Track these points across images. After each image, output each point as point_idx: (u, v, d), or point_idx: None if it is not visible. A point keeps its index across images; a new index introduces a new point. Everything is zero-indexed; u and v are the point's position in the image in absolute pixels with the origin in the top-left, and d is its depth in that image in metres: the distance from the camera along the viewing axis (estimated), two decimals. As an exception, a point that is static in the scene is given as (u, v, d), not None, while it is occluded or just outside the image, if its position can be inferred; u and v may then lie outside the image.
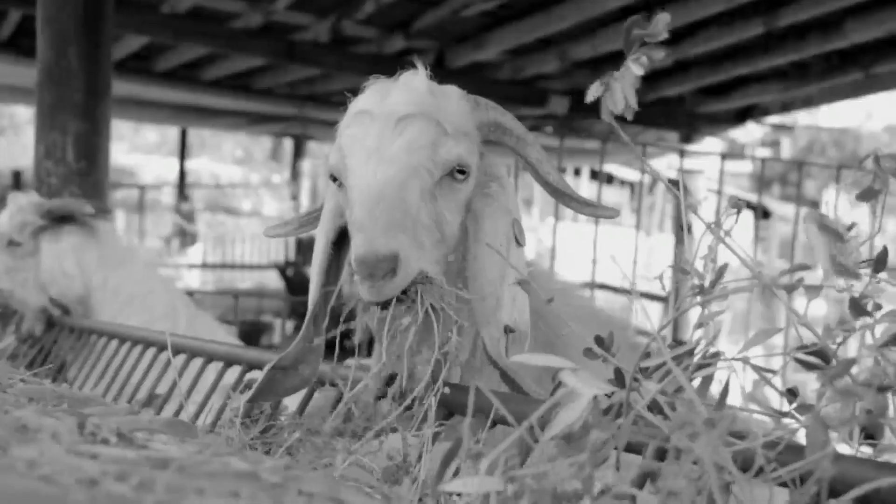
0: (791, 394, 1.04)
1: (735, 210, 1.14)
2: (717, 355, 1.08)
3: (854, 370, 0.97)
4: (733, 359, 1.07)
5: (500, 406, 1.09)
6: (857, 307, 1.01)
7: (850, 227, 1.13)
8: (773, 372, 1.06)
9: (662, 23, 1.12)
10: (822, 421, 0.93)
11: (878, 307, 1.03)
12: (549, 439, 0.95)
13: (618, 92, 1.11)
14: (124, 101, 10.08)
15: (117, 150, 25.52)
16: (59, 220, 3.61)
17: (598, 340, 1.15)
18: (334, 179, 1.76)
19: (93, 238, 3.67)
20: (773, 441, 0.97)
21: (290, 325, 9.35)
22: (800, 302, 1.11)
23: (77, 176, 4.52)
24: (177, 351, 2.32)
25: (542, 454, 0.94)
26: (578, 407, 0.97)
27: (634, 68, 1.12)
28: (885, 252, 1.15)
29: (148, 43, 8.38)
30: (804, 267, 1.04)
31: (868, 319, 1.03)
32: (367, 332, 1.73)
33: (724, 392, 1.05)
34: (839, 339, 1.02)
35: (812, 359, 1.02)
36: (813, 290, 1.03)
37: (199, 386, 2.23)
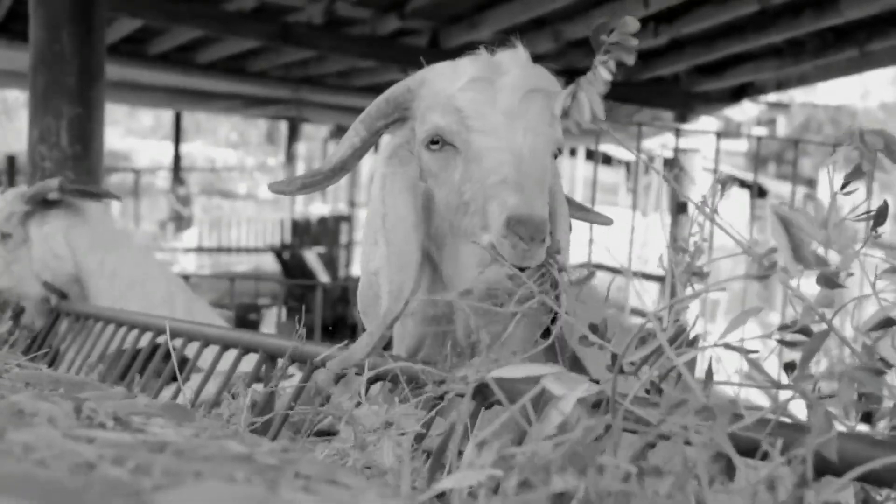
0: (788, 367, 1.04)
1: (722, 186, 1.14)
2: (696, 339, 1.08)
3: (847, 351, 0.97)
4: (717, 344, 1.07)
5: (494, 387, 1.09)
6: (828, 281, 1.01)
7: (842, 188, 1.14)
8: (755, 351, 1.06)
9: (631, 27, 1.11)
10: (819, 398, 0.93)
11: (850, 275, 1.03)
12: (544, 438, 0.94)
13: (584, 102, 1.11)
14: (118, 84, 10.05)
15: (112, 134, 25.44)
16: (46, 204, 3.59)
17: (593, 328, 1.15)
18: (434, 142, 1.74)
19: (81, 218, 3.64)
20: (766, 419, 0.97)
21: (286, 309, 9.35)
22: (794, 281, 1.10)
23: (71, 160, 4.51)
24: (174, 335, 2.32)
25: (535, 448, 0.94)
26: (566, 407, 0.97)
27: (603, 72, 1.12)
28: (885, 206, 1.15)
29: (141, 26, 8.33)
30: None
31: (850, 293, 1.03)
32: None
33: (709, 375, 1.05)
34: (824, 315, 1.02)
35: (798, 337, 1.02)
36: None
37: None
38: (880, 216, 1.13)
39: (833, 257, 1.03)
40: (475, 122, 1.69)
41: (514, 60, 1.79)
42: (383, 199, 1.77)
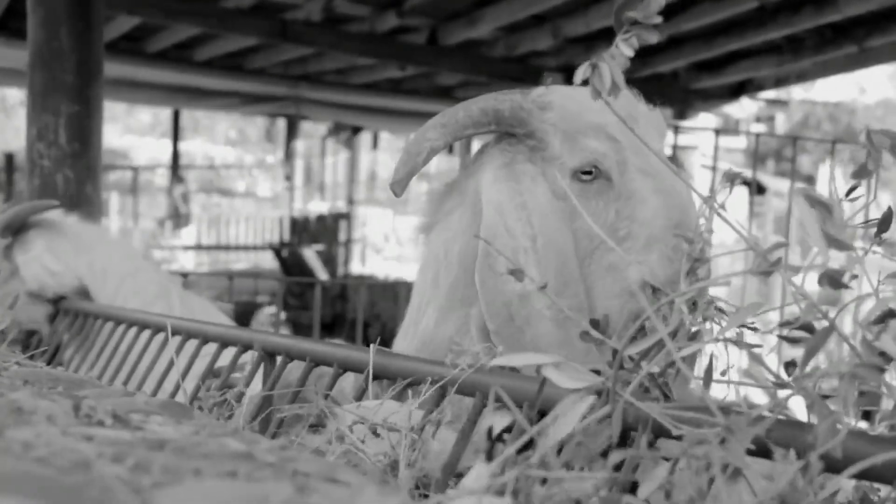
0: (790, 366, 1.04)
1: (731, 182, 1.14)
2: (698, 333, 1.07)
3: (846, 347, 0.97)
4: (719, 338, 1.06)
5: (502, 393, 1.09)
6: (832, 280, 1.00)
7: (847, 194, 1.13)
8: (759, 346, 1.06)
9: (655, 4, 1.11)
10: (821, 398, 0.93)
11: (854, 276, 1.02)
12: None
13: (605, 72, 1.10)
14: (116, 82, 10.04)
15: (110, 131, 25.44)
16: (19, 230, 3.56)
17: (594, 323, 1.15)
18: (586, 172, 1.72)
19: (56, 230, 3.61)
20: (764, 416, 0.97)
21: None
22: (798, 277, 1.10)
23: (70, 158, 4.50)
24: (172, 332, 2.32)
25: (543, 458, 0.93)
26: (576, 414, 0.96)
27: (624, 49, 1.11)
28: (889, 213, 1.15)
29: (139, 24, 8.32)
30: (783, 244, 1.03)
31: (853, 293, 1.03)
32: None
33: (709, 372, 1.05)
34: (831, 314, 1.01)
35: (801, 334, 1.02)
36: (804, 267, 1.03)
37: (196, 367, 2.22)
38: (885, 222, 1.13)
39: (834, 254, 1.03)
40: (635, 160, 1.68)
41: (637, 101, 1.81)
42: (528, 220, 1.74)
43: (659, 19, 1.11)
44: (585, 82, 1.12)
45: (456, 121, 1.79)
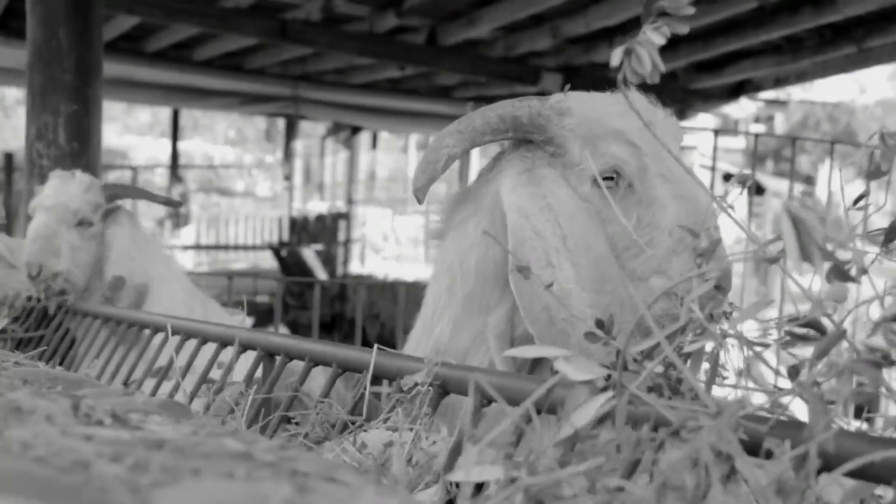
0: (792, 370, 1.04)
1: (742, 185, 1.14)
2: (705, 330, 1.07)
3: (845, 344, 0.96)
4: (726, 334, 1.06)
5: (492, 391, 1.09)
6: (840, 273, 1.00)
7: (856, 202, 1.13)
8: (767, 345, 1.06)
9: None
10: (821, 395, 0.93)
11: (864, 272, 1.02)
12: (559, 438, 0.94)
13: (644, 55, 1.08)
14: (116, 81, 10.04)
15: (109, 131, 25.44)
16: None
17: (599, 323, 1.15)
18: (608, 178, 1.72)
19: (134, 224, 3.68)
20: (765, 416, 0.97)
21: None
22: (797, 277, 1.10)
23: (69, 157, 4.50)
24: (172, 332, 2.32)
25: (541, 443, 0.93)
26: (592, 407, 0.96)
27: (654, 37, 1.09)
28: None
29: (138, 23, 8.32)
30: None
31: (865, 291, 1.03)
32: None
33: (713, 368, 1.05)
34: (831, 312, 1.01)
35: (805, 331, 1.01)
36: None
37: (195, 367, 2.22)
38: (893, 231, 1.13)
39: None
40: (655, 165, 1.67)
41: (654, 107, 1.80)
42: (556, 221, 1.72)
43: (691, 10, 1.09)
44: (617, 69, 1.10)
45: (473, 128, 1.79)
